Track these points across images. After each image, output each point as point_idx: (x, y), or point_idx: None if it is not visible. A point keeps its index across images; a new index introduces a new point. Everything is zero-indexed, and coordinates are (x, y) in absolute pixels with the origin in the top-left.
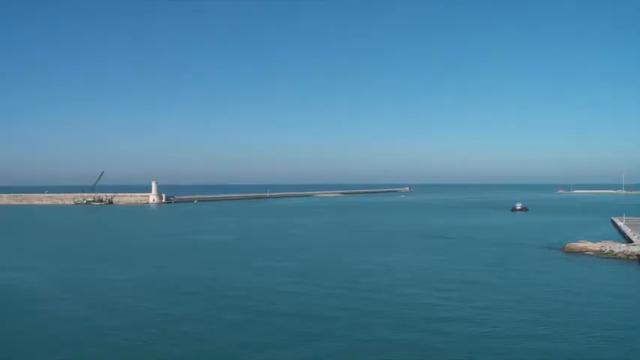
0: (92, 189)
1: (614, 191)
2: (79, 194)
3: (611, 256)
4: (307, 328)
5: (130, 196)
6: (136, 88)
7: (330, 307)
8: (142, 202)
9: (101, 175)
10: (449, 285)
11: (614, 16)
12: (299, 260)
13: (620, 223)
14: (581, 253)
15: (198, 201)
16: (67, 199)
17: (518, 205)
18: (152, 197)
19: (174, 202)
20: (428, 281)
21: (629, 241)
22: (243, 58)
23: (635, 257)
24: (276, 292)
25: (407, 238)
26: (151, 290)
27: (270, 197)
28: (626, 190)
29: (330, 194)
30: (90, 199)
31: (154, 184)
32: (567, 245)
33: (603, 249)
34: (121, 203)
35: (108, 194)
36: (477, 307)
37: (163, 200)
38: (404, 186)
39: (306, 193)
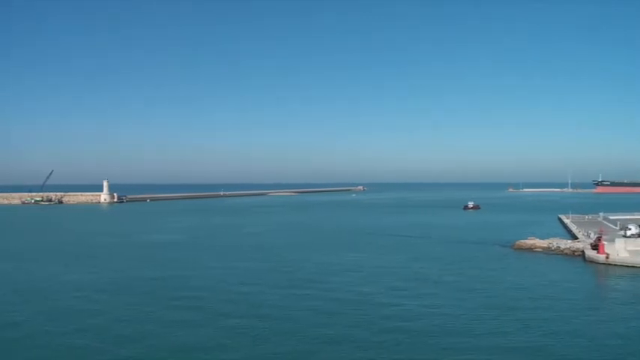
0: (41, 188)
1: (561, 190)
2: (26, 193)
3: (558, 252)
4: (260, 329)
5: (81, 195)
6: (91, 88)
7: (283, 307)
8: (93, 201)
9: (50, 173)
10: (402, 283)
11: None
12: (252, 260)
13: (567, 221)
14: (530, 250)
15: (150, 200)
16: (14, 198)
17: (471, 204)
18: (104, 197)
19: (127, 201)
20: (381, 280)
21: (574, 237)
22: (209, 57)
23: (580, 253)
24: (229, 292)
25: (360, 237)
26: (99, 292)
27: (224, 196)
28: (573, 188)
29: (283, 193)
30: (38, 199)
31: (105, 184)
32: (517, 243)
33: (551, 246)
34: (72, 203)
35: (57, 193)
36: (429, 306)
37: (115, 200)
38: (358, 185)
39: (260, 192)
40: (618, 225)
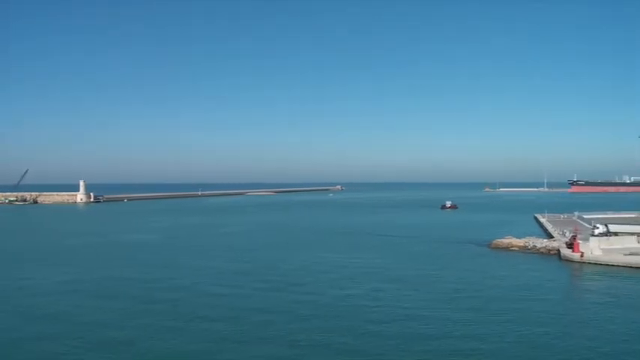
0: (15, 187)
1: (537, 189)
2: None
3: (534, 251)
4: (238, 333)
5: (57, 195)
6: (66, 87)
7: (261, 310)
8: (70, 201)
9: (25, 172)
10: (379, 284)
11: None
12: (228, 260)
13: (543, 220)
14: (507, 248)
15: (128, 200)
16: None
17: (448, 203)
18: (80, 196)
19: (104, 201)
20: (358, 281)
21: (550, 236)
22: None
23: (556, 252)
24: (205, 293)
25: (336, 237)
26: (75, 294)
27: (202, 196)
28: (548, 188)
29: (261, 193)
30: (12, 199)
31: (82, 183)
32: (494, 242)
33: (527, 245)
34: (47, 202)
35: (32, 193)
36: (406, 307)
37: (92, 199)
38: (336, 184)
39: (238, 191)
40: (592, 224)
